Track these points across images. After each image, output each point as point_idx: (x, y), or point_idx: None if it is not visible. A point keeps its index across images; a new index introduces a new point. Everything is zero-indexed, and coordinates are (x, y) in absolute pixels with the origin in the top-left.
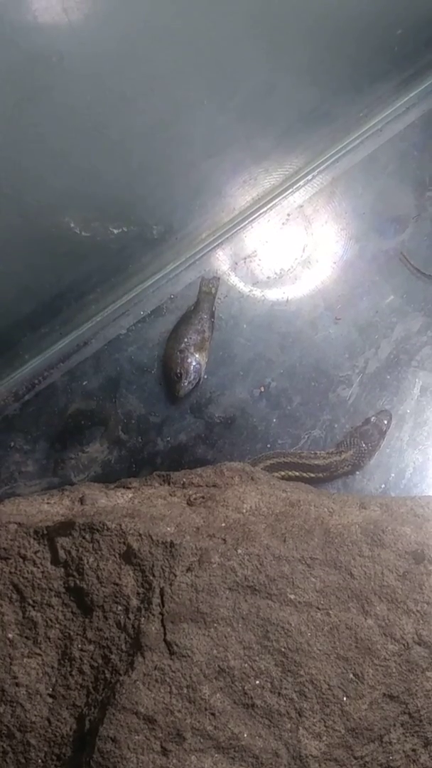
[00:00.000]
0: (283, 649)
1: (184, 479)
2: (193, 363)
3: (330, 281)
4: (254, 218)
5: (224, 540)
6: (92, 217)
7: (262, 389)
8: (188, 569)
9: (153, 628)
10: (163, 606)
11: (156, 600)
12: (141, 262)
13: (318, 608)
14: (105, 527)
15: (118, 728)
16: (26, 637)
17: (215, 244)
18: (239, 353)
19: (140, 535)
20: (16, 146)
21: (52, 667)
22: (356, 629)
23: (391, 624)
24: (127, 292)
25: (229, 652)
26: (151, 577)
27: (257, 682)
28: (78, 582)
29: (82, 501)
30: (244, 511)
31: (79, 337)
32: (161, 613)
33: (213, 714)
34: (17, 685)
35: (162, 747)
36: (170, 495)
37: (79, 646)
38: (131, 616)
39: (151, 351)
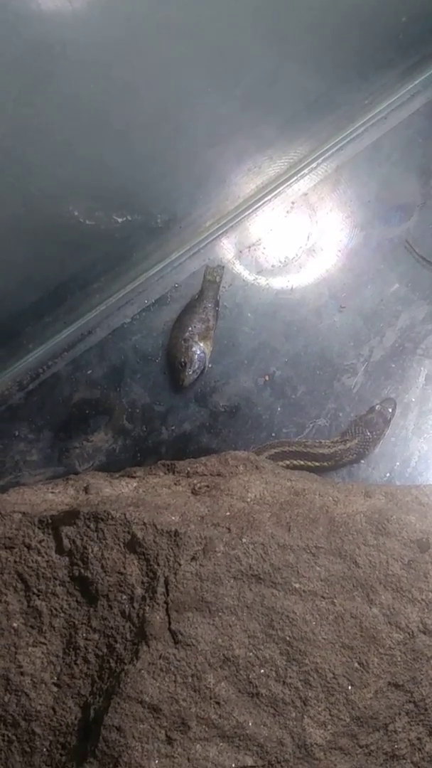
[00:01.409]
0: (287, 638)
1: (189, 468)
2: (198, 352)
3: (335, 269)
4: (259, 206)
5: (229, 529)
6: (96, 206)
7: (267, 378)
8: (193, 558)
9: (158, 617)
10: (168, 595)
11: (161, 589)
12: (145, 250)
13: (323, 597)
14: (109, 516)
15: (123, 717)
16: (31, 626)
17: (219, 233)
18: (244, 342)
19: (145, 524)
20: (20, 135)
21: (57, 656)
22: (361, 618)
23: (396, 613)
24: (132, 281)
25: (233, 640)
26: (156, 566)
27: (262, 670)
28: (83, 571)
29: (86, 490)
30: (249, 500)
31: (83, 326)
32: (166, 602)
33: (218, 703)
34: (22, 674)
35: (167, 736)
36: (175, 484)
37: (84, 635)
38: (136, 605)
39: (156, 340)
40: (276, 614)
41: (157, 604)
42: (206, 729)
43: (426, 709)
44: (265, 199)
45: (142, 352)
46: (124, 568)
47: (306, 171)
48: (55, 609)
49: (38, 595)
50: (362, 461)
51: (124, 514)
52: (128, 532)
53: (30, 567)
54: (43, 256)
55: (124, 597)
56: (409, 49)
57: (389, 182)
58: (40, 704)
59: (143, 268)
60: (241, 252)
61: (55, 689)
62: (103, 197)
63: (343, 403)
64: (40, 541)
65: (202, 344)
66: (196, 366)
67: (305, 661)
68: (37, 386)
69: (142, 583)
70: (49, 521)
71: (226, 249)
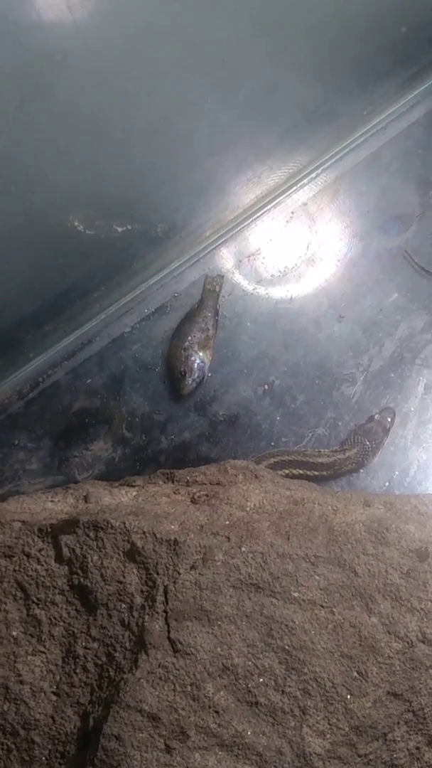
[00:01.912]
0: (287, 647)
1: (188, 477)
2: (197, 361)
3: (334, 279)
4: (258, 216)
5: (228, 538)
6: (96, 215)
7: (266, 387)
8: (192, 567)
9: (157, 626)
10: (167, 604)
11: (160, 598)
12: (145, 260)
13: (322, 606)
14: (109, 525)
15: (122, 726)
16: (30, 635)
17: (219, 242)
18: (243, 351)
19: (144, 533)
20: (20, 144)
21: (57, 665)
22: (360, 627)
23: (395, 622)
24: (131, 290)
25: (232, 650)
26: (155, 575)
27: (261, 680)
28: (82, 580)
29: (86, 499)
30: (248, 509)
31: (83, 335)
32: (165, 611)
33: (217, 712)
34: (21, 682)
35: (166, 745)
36: (174, 493)
37: (83, 643)
38: (135, 614)
39: (155, 349)
40: (275, 623)
41: (157, 613)
42: (205, 738)
43: (425, 719)
44: (265, 208)
45: (142, 361)
46: (124, 577)
47: (305, 181)
48: (55, 618)
49: (37, 604)
50: (361, 470)
51: (124, 523)
52: (128, 541)
53: (29, 576)
54: (43, 265)
55: (124, 606)
56: (408, 59)
57: (388, 192)
58: (40, 713)
59: (143, 278)
60: (240, 261)
61: (54, 698)
62: (103, 206)
63: (342, 412)
64: (39, 550)
65: (201, 353)
66: (196, 375)
67: (304, 670)
68: (37, 395)
69: (142, 592)
70: (49, 530)
71: (226, 258)
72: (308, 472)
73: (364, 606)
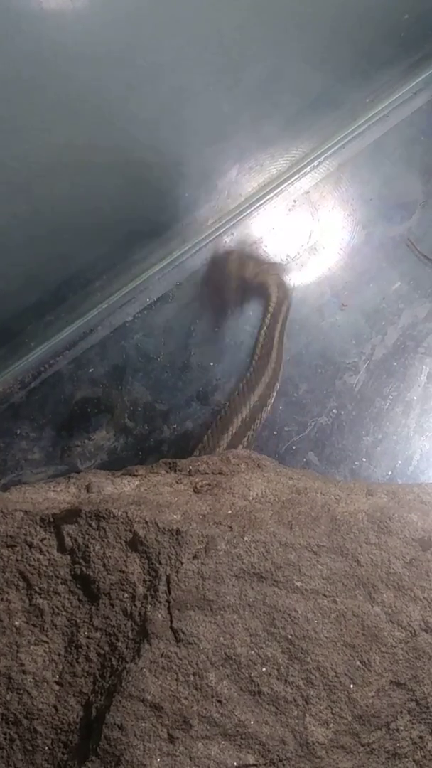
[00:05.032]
0: (289, 637)
1: (191, 466)
2: None
3: (336, 268)
4: (260, 204)
5: (231, 527)
6: (98, 204)
7: None
8: (194, 557)
9: (159, 616)
10: (170, 593)
11: (162, 587)
12: (147, 249)
13: (325, 595)
14: (111, 515)
15: (124, 715)
16: (33, 625)
17: (221, 231)
18: (245, 340)
19: (146, 522)
20: (22, 135)
21: (59, 655)
22: (363, 616)
23: (397, 611)
24: (133, 279)
25: (235, 639)
26: (158, 565)
27: (264, 669)
28: (84, 569)
29: (88, 488)
30: (251, 498)
31: (85, 324)
32: (168, 601)
33: (220, 701)
34: (24, 672)
35: (169, 734)
36: (176, 482)
37: (86, 633)
38: (138, 603)
39: (157, 338)
40: (278, 612)
41: (159, 602)
42: (208, 727)
43: (428, 708)
44: (267, 197)
45: (144, 350)
46: (126, 566)
47: (308, 169)
48: (57, 607)
49: (40, 594)
50: (364, 459)
51: (126, 513)
52: (130, 531)
53: (32, 565)
54: (45, 254)
55: (126, 595)
56: (411, 46)
57: (391, 180)
58: (42, 703)
59: (145, 267)
60: (243, 250)
61: (56, 688)
62: (105, 196)
63: (345, 401)
64: (41, 540)
65: None
66: None
67: (307, 659)
68: (39, 385)
69: (144, 581)
70: (51, 519)
71: (228, 247)
72: None
73: (366, 595)
